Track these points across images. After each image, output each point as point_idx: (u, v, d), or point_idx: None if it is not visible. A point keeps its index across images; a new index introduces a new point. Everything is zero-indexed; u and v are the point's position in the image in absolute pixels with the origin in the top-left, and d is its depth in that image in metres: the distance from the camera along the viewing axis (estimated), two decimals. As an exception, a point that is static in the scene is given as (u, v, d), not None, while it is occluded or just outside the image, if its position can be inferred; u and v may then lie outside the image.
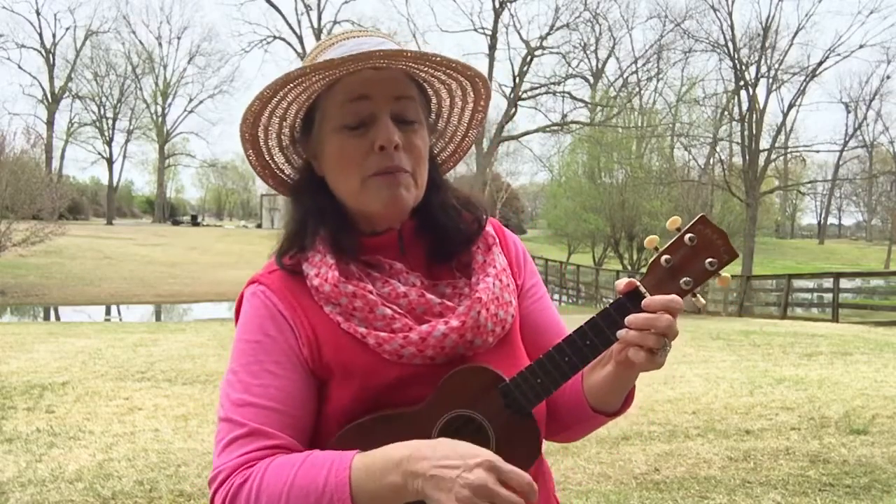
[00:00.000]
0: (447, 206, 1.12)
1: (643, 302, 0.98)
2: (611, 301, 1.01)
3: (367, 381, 1.01)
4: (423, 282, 1.09)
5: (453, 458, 0.88)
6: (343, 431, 1.00)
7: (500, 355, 1.07)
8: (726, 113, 36.38)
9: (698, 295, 1.02)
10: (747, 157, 32.13)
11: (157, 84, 60.64)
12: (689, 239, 1.00)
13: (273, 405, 0.99)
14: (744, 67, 33.64)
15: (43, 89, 55.82)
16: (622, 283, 1.00)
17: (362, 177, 1.04)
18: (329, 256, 1.05)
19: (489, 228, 1.16)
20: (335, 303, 1.03)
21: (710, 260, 1.00)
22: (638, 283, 1.00)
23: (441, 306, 1.05)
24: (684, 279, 1.00)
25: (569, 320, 1.15)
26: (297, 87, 1.03)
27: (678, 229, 1.01)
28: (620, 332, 0.98)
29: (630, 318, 0.97)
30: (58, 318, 18.83)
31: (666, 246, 1.01)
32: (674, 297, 0.97)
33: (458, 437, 0.94)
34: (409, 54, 1.01)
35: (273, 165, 1.16)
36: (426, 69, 1.08)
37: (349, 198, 1.07)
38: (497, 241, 1.16)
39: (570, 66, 41.93)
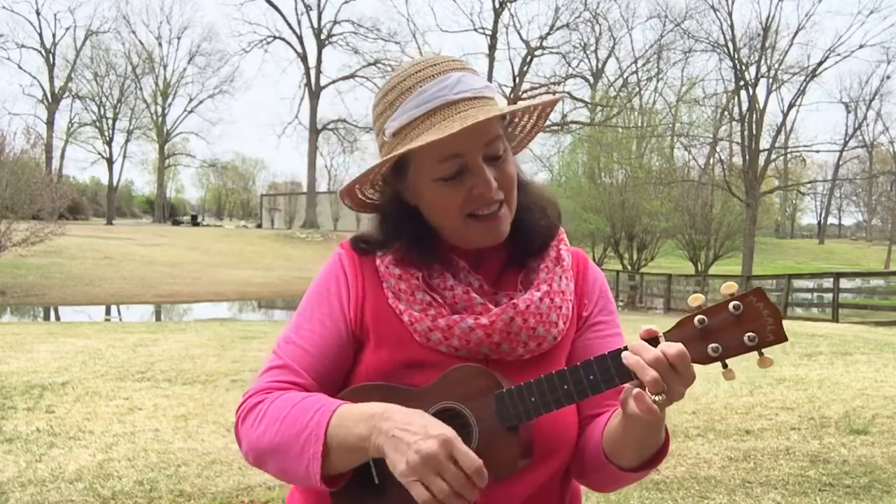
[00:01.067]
0: (529, 206, 1.18)
1: (632, 346, 0.96)
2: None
3: (395, 353, 1.11)
4: (484, 286, 1.14)
5: (416, 426, 0.94)
6: (346, 390, 1.10)
7: (529, 372, 1.07)
8: (726, 113, 36.44)
9: (729, 366, 0.95)
10: (747, 157, 32.17)
11: (157, 84, 60.69)
12: (735, 307, 0.94)
13: (310, 349, 1.13)
14: (744, 67, 33.68)
15: (43, 89, 55.95)
16: (644, 328, 0.98)
17: (463, 217, 1.11)
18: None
19: (565, 254, 1.20)
20: (387, 282, 1.15)
21: (750, 334, 0.94)
22: (659, 333, 0.96)
23: (482, 307, 1.11)
24: (713, 345, 0.94)
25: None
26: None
27: (731, 294, 0.95)
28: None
29: (626, 354, 0.96)
30: (58, 318, 18.83)
31: (707, 307, 0.96)
32: (679, 347, 0.93)
33: None
34: (494, 117, 1.07)
35: (363, 198, 1.24)
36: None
37: (451, 234, 1.15)
38: (566, 263, 1.19)
39: (570, 66, 42.08)
